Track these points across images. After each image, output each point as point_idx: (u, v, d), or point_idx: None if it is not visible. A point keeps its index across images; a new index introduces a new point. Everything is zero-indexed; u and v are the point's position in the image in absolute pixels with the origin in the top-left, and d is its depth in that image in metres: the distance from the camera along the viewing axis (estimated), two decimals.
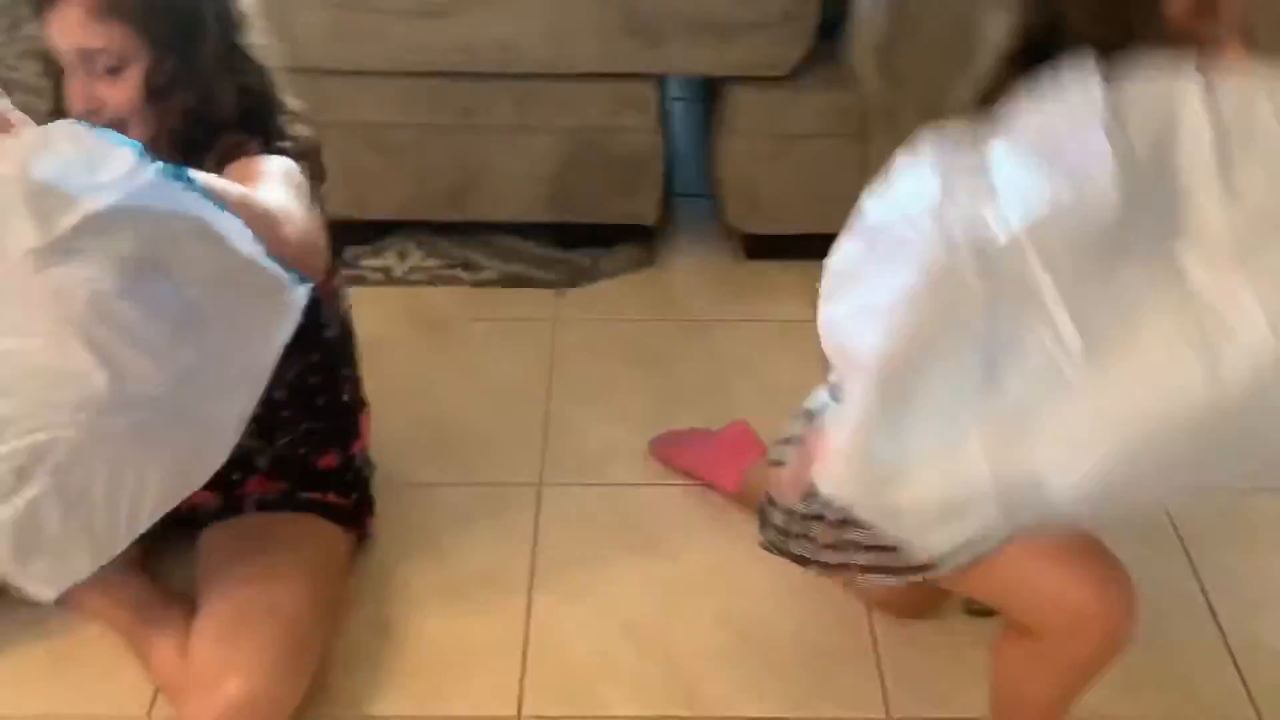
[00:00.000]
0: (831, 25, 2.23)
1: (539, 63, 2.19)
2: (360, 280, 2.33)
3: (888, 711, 1.61)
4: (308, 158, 1.55)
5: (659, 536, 1.84)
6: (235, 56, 1.52)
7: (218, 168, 1.47)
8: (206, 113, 1.49)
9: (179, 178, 1.22)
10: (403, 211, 2.38)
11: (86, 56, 1.42)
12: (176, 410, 1.27)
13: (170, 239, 1.23)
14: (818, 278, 2.33)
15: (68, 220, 1.16)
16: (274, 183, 1.42)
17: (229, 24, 1.52)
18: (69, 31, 1.41)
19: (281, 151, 1.51)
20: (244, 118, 1.52)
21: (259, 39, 1.57)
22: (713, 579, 1.77)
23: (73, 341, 1.20)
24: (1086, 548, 1.38)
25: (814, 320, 2.23)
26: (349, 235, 2.38)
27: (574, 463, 1.97)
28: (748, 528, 1.81)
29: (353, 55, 2.19)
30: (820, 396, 1.57)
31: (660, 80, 2.27)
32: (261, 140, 1.52)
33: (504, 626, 1.71)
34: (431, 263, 2.39)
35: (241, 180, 1.40)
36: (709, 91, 2.48)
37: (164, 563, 1.72)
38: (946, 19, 2.10)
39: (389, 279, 2.35)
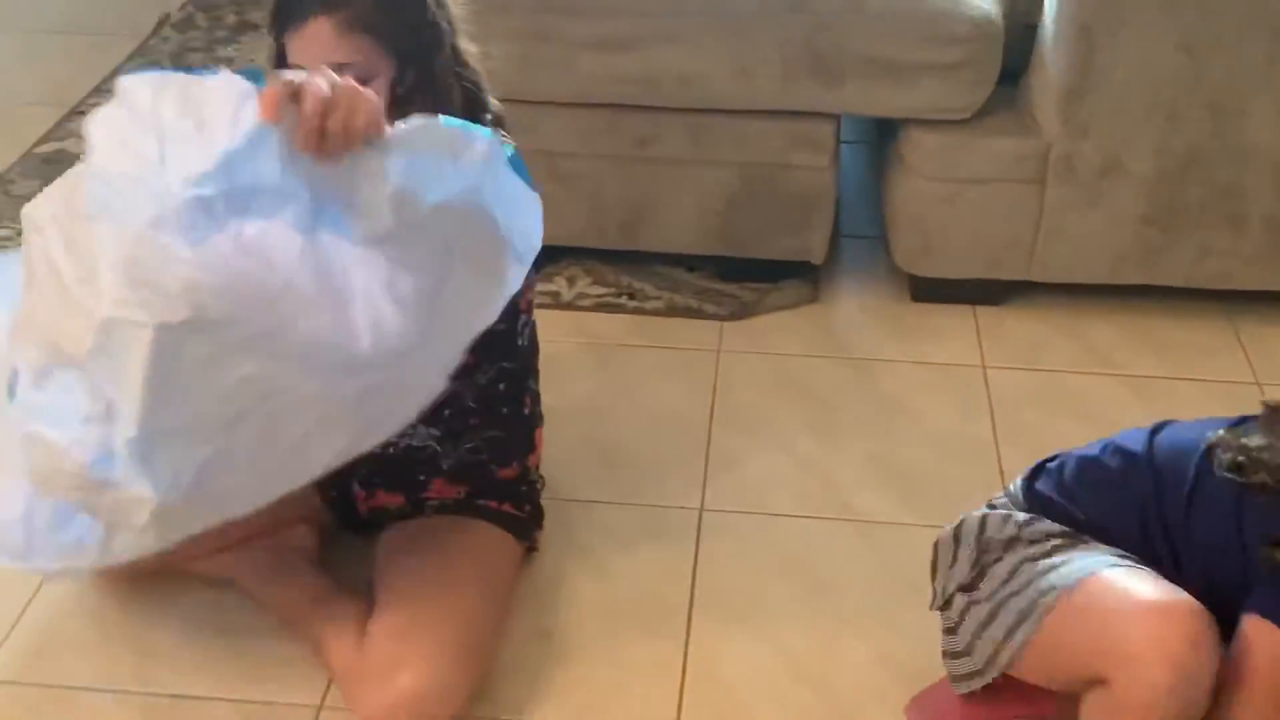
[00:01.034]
0: (1014, 71, 2.22)
1: (718, 97, 2.22)
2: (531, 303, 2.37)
3: None
4: None
5: (818, 568, 1.83)
6: (458, 59, 1.57)
7: None
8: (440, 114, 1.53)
9: (514, 163, 1.34)
10: (575, 239, 2.41)
11: (334, 71, 1.46)
12: (399, 378, 1.32)
13: (481, 230, 1.34)
14: (983, 322, 2.33)
15: (415, 214, 1.28)
16: None
17: (453, 28, 1.57)
18: (317, 47, 1.45)
19: None
20: (465, 116, 1.56)
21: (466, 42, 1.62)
22: (873, 616, 1.74)
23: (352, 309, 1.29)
24: (1131, 588, 1.34)
25: (978, 365, 2.24)
26: None
27: (734, 491, 1.97)
28: (907, 565, 1.80)
29: (539, 85, 2.24)
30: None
31: (837, 120, 2.28)
32: None
33: (663, 647, 1.71)
34: (599, 290, 2.42)
35: None
36: (879, 133, 2.48)
37: (339, 561, 1.78)
38: (1137, 73, 2.08)
39: (557, 303, 2.38)
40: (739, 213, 2.33)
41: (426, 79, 1.51)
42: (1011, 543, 1.45)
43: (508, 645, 1.69)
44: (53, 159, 2.80)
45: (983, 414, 2.12)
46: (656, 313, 2.37)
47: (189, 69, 1.87)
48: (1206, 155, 2.15)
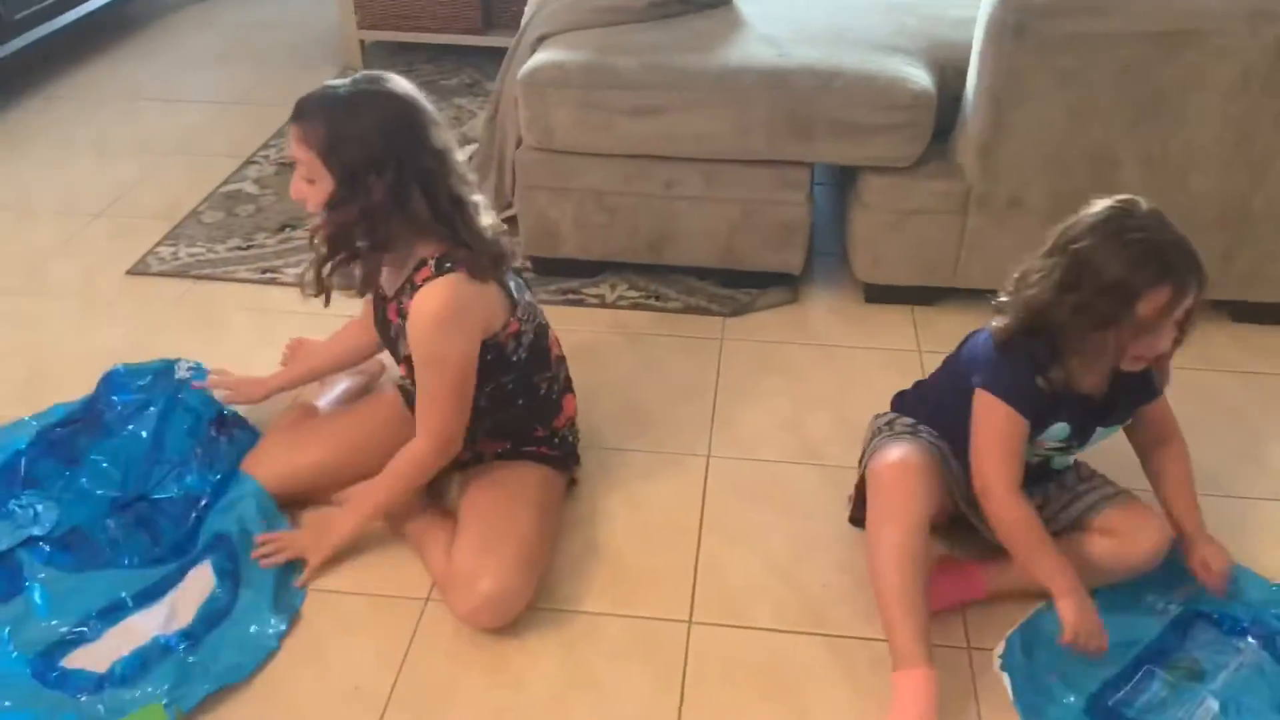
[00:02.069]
0: (944, 131, 2.19)
1: (723, 150, 2.21)
2: (581, 303, 2.37)
3: (968, 640, 1.56)
4: (483, 268, 1.52)
5: (795, 500, 1.82)
6: (407, 199, 1.46)
7: (411, 279, 1.52)
8: (370, 231, 1.49)
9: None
10: (616, 255, 2.40)
11: (297, 161, 1.47)
12: None
13: None
14: (919, 318, 2.31)
15: None
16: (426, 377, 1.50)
17: (413, 176, 1.45)
18: (292, 142, 1.47)
19: (462, 259, 1.49)
20: (429, 231, 1.50)
21: (460, 188, 1.51)
22: (835, 536, 1.74)
23: None
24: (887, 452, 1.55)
25: (915, 350, 2.22)
26: (580, 270, 2.43)
27: (733, 442, 1.96)
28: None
29: (591, 141, 2.23)
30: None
31: (811, 167, 2.26)
32: (442, 250, 1.50)
33: (679, 557, 1.71)
34: (633, 293, 2.41)
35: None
36: (842, 177, 2.46)
37: (438, 489, 1.79)
38: (1035, 132, 2.05)
39: (603, 303, 2.38)
40: (738, 236, 2.32)
41: (355, 202, 1.45)
42: (878, 431, 1.64)
43: (564, 555, 1.69)
44: (230, 195, 2.82)
45: None
46: (676, 310, 2.36)
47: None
48: (1087, 195, 2.09)
